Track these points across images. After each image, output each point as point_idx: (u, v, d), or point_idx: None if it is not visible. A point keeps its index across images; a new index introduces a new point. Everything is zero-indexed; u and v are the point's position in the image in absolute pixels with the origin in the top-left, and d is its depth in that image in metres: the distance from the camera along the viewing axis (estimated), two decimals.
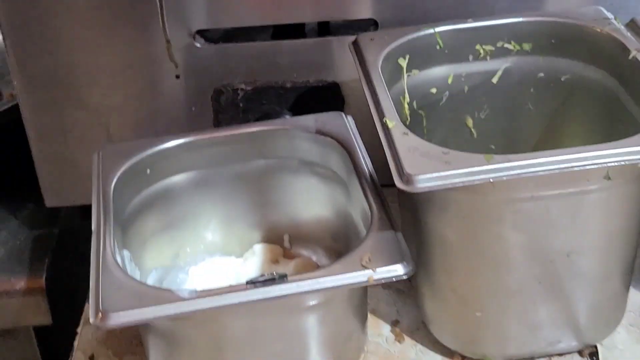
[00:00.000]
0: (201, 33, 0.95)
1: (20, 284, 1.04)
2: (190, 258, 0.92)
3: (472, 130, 0.91)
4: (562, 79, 0.88)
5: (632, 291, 0.85)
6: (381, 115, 0.76)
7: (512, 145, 0.91)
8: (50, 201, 1.03)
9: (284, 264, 0.92)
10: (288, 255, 0.93)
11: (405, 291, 0.90)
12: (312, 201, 0.90)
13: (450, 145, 0.73)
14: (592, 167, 0.69)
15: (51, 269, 1.05)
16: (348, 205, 0.85)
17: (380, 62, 0.83)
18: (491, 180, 0.68)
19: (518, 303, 0.78)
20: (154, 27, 0.93)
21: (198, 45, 0.95)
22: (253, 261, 0.92)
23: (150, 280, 0.87)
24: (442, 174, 0.69)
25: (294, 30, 0.97)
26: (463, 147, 0.75)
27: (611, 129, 0.83)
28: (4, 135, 1.15)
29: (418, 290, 0.84)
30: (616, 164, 0.69)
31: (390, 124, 0.74)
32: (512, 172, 0.69)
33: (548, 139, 0.91)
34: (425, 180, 0.69)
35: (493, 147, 0.92)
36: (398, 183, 0.69)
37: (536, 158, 0.69)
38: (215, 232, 0.93)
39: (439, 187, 0.69)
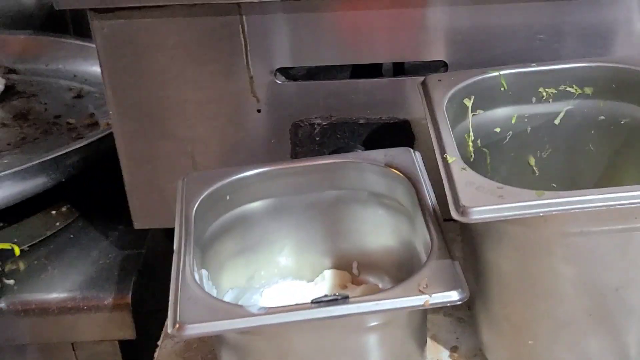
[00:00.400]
0: (282, 70, 1.02)
1: (108, 299, 1.11)
2: (264, 280, 0.98)
3: (535, 168, 0.96)
4: (622, 122, 0.92)
5: None
6: (442, 150, 0.81)
7: (573, 185, 0.95)
8: (138, 224, 1.11)
9: (351, 290, 0.97)
10: (356, 281, 0.99)
11: (466, 319, 0.95)
12: (379, 231, 0.96)
13: (513, 182, 0.78)
14: (638, 205, 0.73)
15: (137, 287, 1.12)
16: (412, 235, 0.90)
17: (445, 102, 0.88)
18: (541, 214, 0.73)
19: (569, 334, 0.82)
20: (238, 63, 1.01)
21: (279, 82, 1.02)
22: (323, 285, 0.98)
23: (227, 299, 0.93)
24: (495, 207, 0.74)
25: (371, 70, 1.03)
26: (526, 184, 0.80)
27: None
28: (100, 161, 1.24)
29: (476, 318, 0.89)
30: None
31: (450, 159, 0.80)
32: (560, 208, 0.73)
33: (608, 179, 0.94)
34: (479, 212, 0.74)
35: (554, 185, 0.96)
36: (454, 214, 0.75)
37: (585, 195, 0.74)
38: (289, 257, 0.99)
39: (491, 219, 0.74)
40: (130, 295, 1.11)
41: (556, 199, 0.74)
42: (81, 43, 1.57)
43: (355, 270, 0.99)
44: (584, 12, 0.97)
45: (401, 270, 0.94)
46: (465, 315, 0.95)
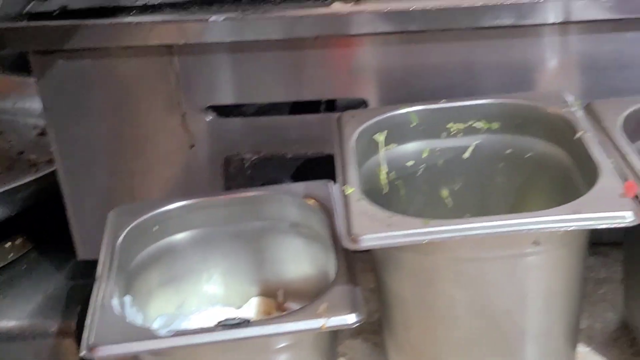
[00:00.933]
0: (213, 107, 1.07)
1: (54, 327, 1.16)
2: (194, 307, 1.03)
3: (448, 200, 1.00)
4: (526, 156, 0.97)
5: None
6: (343, 182, 0.86)
7: (485, 215, 0.99)
8: (82, 254, 1.16)
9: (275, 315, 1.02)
10: (281, 308, 1.03)
11: (380, 344, 0.99)
12: (300, 259, 1.00)
13: (427, 213, 0.84)
14: (518, 232, 0.78)
15: (82, 316, 1.16)
16: (327, 263, 0.95)
17: (355, 137, 0.93)
18: (425, 241, 0.78)
19: (467, 356, 0.86)
20: (171, 101, 1.06)
21: (210, 118, 1.07)
22: (249, 312, 1.03)
23: (156, 325, 0.98)
24: (383, 234, 0.78)
25: (306, 106, 1.09)
26: (440, 215, 0.85)
27: (566, 201, 0.91)
28: (55, 193, 1.29)
29: (385, 342, 0.94)
30: (539, 230, 0.78)
31: (347, 190, 0.85)
32: (444, 235, 0.78)
33: (516, 210, 0.99)
34: (367, 240, 0.78)
35: (469, 215, 1.00)
36: (345, 242, 0.80)
37: (469, 223, 0.79)
38: (217, 286, 1.03)
39: (378, 246, 0.79)
40: (75, 323, 1.16)
41: (441, 227, 0.78)
42: None
43: (281, 298, 1.04)
44: (498, 52, 1.03)
45: (319, 296, 0.99)
46: (380, 340, 1.00)
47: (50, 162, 1.44)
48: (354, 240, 0.79)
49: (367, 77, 1.05)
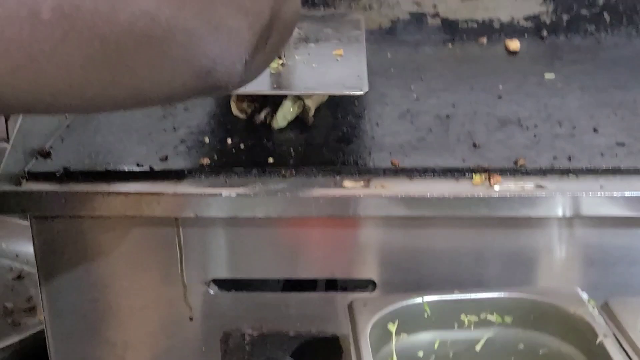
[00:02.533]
0: (215, 280, 1.04)
1: None
2: None
3: None
4: (540, 352, 0.95)
5: None
6: None
7: None
8: None
9: None
10: None
11: None
12: None
13: None
14: None
15: None
16: None
17: (369, 327, 0.91)
18: None
19: None
20: (173, 272, 1.03)
21: (212, 292, 1.04)
22: None
23: None
24: None
25: (304, 283, 1.06)
26: None
27: None
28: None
29: None
30: None
31: None
32: None
33: None
34: None
35: None
36: None
37: None
38: None
39: None
40: None
41: None
42: (25, 223, 1.58)
43: None
44: (506, 240, 1.02)
45: None
46: None
47: (28, 311, 1.40)
48: None
49: (375, 258, 1.04)
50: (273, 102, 1.10)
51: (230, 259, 1.03)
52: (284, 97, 1.09)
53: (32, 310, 1.42)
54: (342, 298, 1.03)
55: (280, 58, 1.07)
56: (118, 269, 1.04)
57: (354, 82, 1.02)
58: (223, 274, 1.04)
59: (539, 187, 0.98)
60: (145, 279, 1.04)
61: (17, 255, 1.57)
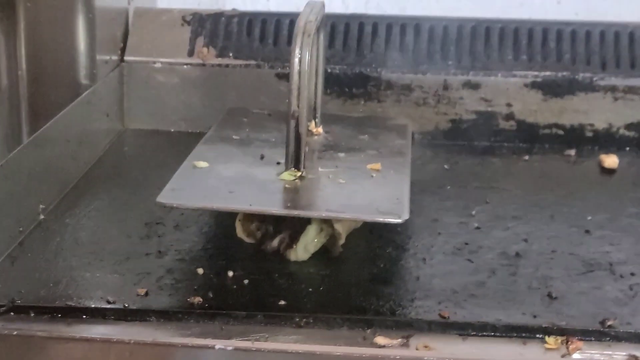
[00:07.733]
0: None
1: None
2: None
3: None
4: None
5: None
6: None
7: None
8: None
9: None
10: None
11: None
12: None
13: None
14: None
15: None
16: None
17: None
18: None
19: None
20: None
21: None
22: None
23: None
24: None
25: None
26: None
27: None
28: None
29: None
30: None
31: None
32: None
33: None
34: None
35: None
36: None
37: None
38: None
39: None
40: None
41: None
42: None
43: None
44: None
45: None
46: None
47: None
48: None
49: None
50: (292, 226, 0.95)
51: None
52: (306, 221, 0.95)
53: None
54: None
55: (298, 170, 0.95)
56: None
57: (390, 206, 0.91)
58: None
59: (634, 358, 0.82)
60: None
61: None
